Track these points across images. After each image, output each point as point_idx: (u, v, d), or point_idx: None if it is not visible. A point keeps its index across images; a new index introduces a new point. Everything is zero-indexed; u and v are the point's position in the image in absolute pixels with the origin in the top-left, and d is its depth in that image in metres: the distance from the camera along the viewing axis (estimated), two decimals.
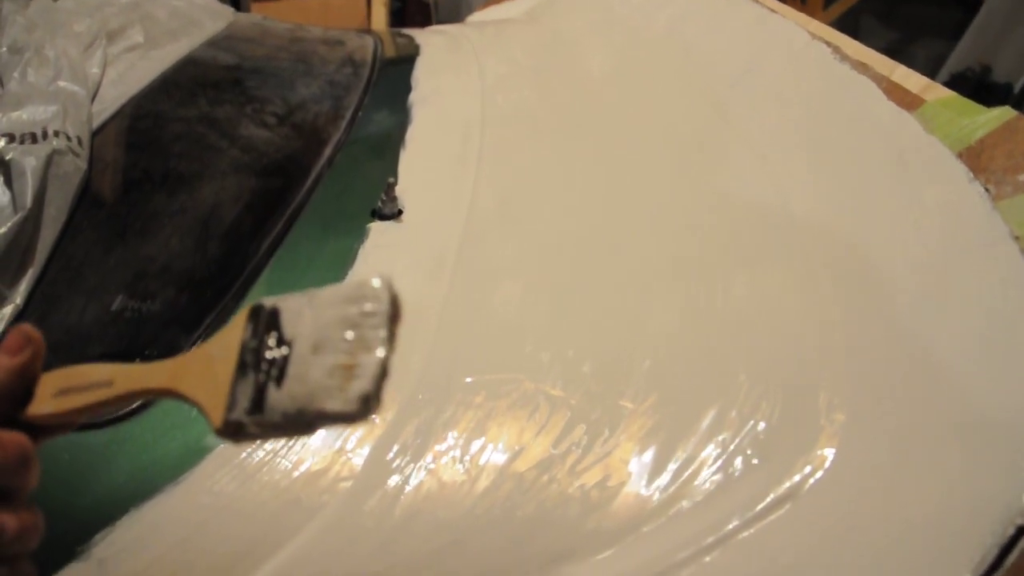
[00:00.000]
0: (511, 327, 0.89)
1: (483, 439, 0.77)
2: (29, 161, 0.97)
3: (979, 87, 3.75)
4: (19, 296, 0.87)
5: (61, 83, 1.24)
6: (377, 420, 0.77)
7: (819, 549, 0.59)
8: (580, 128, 1.24)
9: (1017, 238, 0.67)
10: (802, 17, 1.20)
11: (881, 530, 0.59)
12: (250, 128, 1.30)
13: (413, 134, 1.30)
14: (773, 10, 1.21)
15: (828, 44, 1.06)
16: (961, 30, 5.51)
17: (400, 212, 1.07)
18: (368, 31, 2.11)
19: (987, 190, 0.78)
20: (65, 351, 0.82)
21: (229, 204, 1.08)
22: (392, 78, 1.57)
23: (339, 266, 0.97)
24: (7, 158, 0.97)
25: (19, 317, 0.85)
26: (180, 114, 1.30)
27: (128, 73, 1.42)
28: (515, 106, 1.37)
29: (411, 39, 1.88)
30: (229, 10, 1.90)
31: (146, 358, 0.84)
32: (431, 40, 1.82)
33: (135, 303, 0.90)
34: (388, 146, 1.25)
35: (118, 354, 0.83)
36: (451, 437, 0.77)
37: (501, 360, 0.84)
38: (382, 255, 0.99)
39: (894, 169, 0.82)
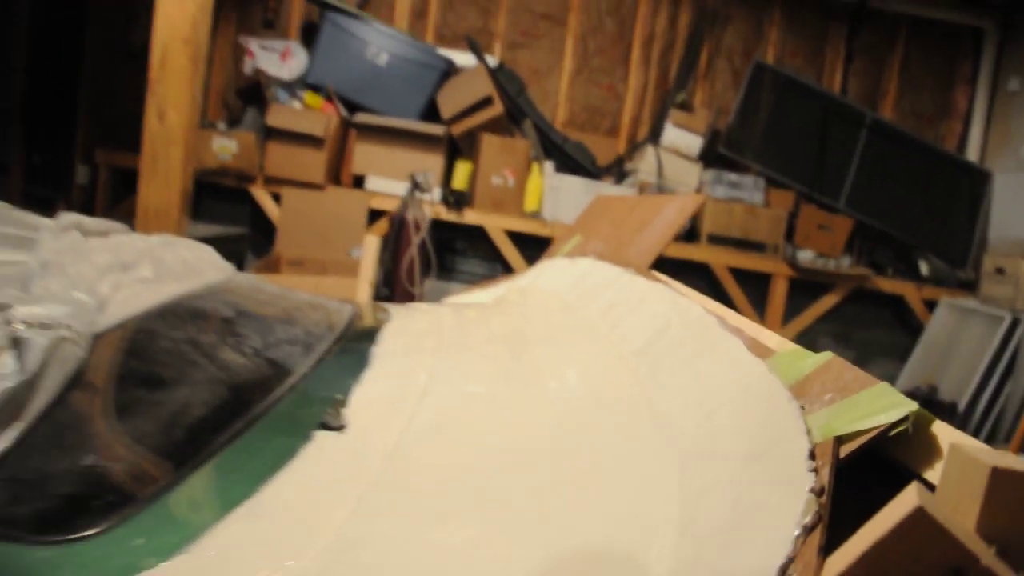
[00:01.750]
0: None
1: None
2: (40, 340, 1.15)
3: (926, 404, 4.03)
4: (4, 442, 1.01)
5: (75, 293, 1.45)
6: None
7: None
8: (511, 375, 1.44)
9: (815, 442, 0.84)
10: (729, 312, 1.45)
11: None
12: (228, 353, 1.49)
13: (369, 375, 1.49)
14: (683, 294, 1.46)
15: (716, 315, 1.30)
16: (908, 352, 5.95)
17: (343, 426, 1.23)
18: (349, 301, 2.38)
19: (802, 407, 0.96)
20: (31, 489, 0.95)
21: (198, 406, 1.25)
22: (361, 334, 1.79)
23: (280, 458, 1.12)
24: (22, 336, 1.15)
25: (2, 459, 0.98)
26: (170, 334, 1.50)
27: (133, 298, 1.63)
28: (459, 365, 1.58)
29: (387, 311, 2.13)
30: (231, 268, 2.17)
31: (98, 507, 0.96)
32: (403, 311, 2.07)
33: (102, 464, 1.03)
34: (345, 380, 1.44)
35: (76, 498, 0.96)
36: None
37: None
38: (318, 456, 1.14)
39: (739, 393, 1.01)
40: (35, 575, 0.86)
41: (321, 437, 1.19)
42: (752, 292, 5.98)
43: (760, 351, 1.11)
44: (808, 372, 0.98)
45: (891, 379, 4.96)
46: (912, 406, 0.83)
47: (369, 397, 1.36)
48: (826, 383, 0.94)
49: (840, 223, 6.00)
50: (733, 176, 5.98)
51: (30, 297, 1.35)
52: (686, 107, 6.22)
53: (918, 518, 0.66)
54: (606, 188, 5.76)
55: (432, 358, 1.57)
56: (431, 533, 0.98)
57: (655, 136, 6.12)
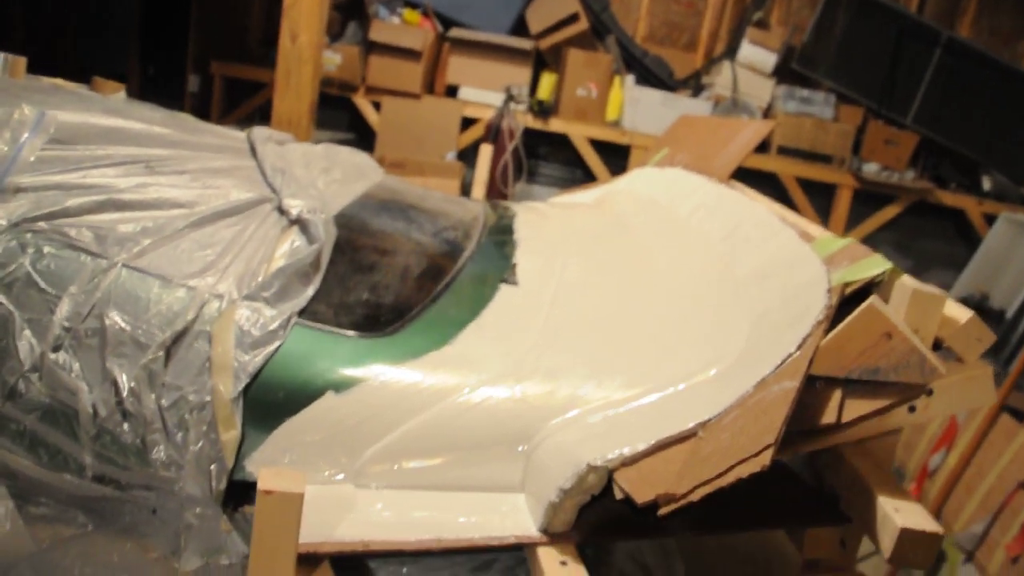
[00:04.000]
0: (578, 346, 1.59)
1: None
2: (319, 218, 1.71)
3: (977, 310, 4.48)
4: (313, 287, 1.59)
5: (311, 190, 2.01)
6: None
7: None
8: (625, 252, 1.98)
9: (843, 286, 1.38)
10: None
11: None
12: (417, 233, 2.05)
13: (519, 253, 2.04)
14: (753, 198, 1.98)
15: (776, 213, 1.83)
16: (966, 263, 6.33)
17: (517, 283, 1.79)
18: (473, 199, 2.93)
19: (827, 270, 1.49)
20: (344, 308, 1.56)
21: (413, 266, 1.82)
22: (500, 224, 2.34)
23: (484, 299, 1.70)
24: (306, 218, 1.71)
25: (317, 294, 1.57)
26: (374, 219, 2.06)
27: (337, 194, 2.19)
28: (585, 245, 2.12)
29: (510, 207, 2.67)
30: (381, 170, 2.72)
31: (386, 319, 1.56)
32: (524, 208, 2.61)
33: (371, 297, 1.62)
34: (504, 254, 1.99)
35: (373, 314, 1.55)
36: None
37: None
38: (507, 299, 1.71)
39: (789, 264, 1.57)
40: (359, 353, 1.45)
41: (504, 289, 1.76)
42: (817, 201, 6.37)
43: (806, 239, 1.63)
44: (835, 250, 1.51)
45: (946, 287, 5.34)
46: (888, 264, 1.36)
47: (526, 266, 1.90)
48: (845, 256, 1.46)
49: (906, 138, 6.32)
50: (805, 92, 6.31)
51: (284, 192, 1.91)
52: (762, 25, 6.51)
53: (871, 308, 1.20)
54: (683, 101, 6.16)
55: (562, 241, 2.11)
56: (592, 338, 1.55)
57: (731, 52, 6.45)
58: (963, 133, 6.48)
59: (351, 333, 1.54)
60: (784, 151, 6.27)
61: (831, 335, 1.30)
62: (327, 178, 2.26)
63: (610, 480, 1.26)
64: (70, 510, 1.38)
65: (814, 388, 1.27)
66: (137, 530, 1.36)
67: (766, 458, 1.10)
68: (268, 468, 1.20)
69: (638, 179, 2.86)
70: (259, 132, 2.48)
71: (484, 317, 1.64)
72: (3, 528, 1.30)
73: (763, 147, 6.25)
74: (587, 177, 6.24)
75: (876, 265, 1.39)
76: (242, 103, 6.66)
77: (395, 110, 6.18)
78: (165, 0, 6.97)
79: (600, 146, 6.24)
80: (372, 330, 1.54)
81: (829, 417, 1.24)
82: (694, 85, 6.58)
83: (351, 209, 2.07)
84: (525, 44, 6.12)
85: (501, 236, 2.20)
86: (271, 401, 1.42)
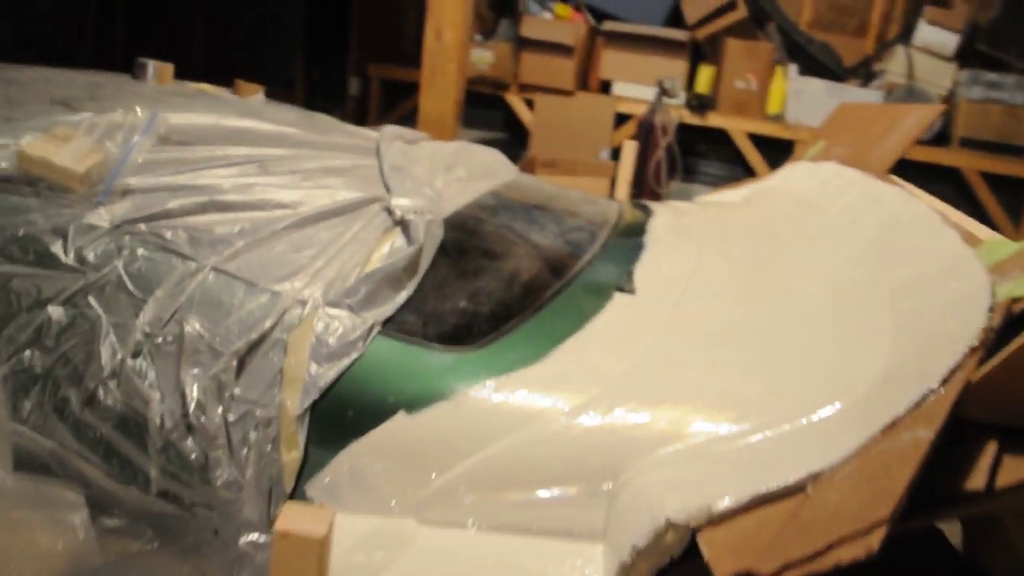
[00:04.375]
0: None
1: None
2: (420, 220, 1.61)
3: None
4: (408, 290, 1.49)
5: (425, 189, 1.92)
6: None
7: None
8: (764, 258, 1.78)
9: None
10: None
11: None
12: (537, 235, 1.93)
13: (646, 256, 1.87)
14: (913, 194, 1.73)
15: (938, 212, 1.58)
16: None
17: (634, 290, 1.63)
18: (614, 199, 2.77)
19: (993, 281, 1.24)
20: (435, 317, 1.44)
21: (526, 270, 1.70)
22: (632, 225, 2.18)
23: (592, 310, 1.53)
24: (407, 219, 1.62)
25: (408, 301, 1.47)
26: (493, 220, 1.95)
27: (457, 192, 2.09)
28: (721, 249, 1.93)
29: (647, 206, 2.50)
30: (515, 168, 2.61)
31: (478, 331, 1.44)
32: (663, 207, 2.43)
33: (468, 305, 1.50)
34: (627, 259, 1.83)
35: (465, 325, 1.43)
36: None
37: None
38: (619, 309, 1.55)
39: (948, 271, 1.32)
40: (440, 368, 1.34)
41: (618, 297, 1.59)
42: (1006, 198, 5.77)
43: (972, 241, 1.37)
44: (1005, 257, 1.25)
45: None
46: None
47: (649, 272, 1.74)
48: (1017, 264, 1.21)
49: None
50: (992, 76, 5.72)
51: (396, 191, 1.83)
52: (941, 2, 5.98)
53: None
54: (851, 91, 5.73)
55: (697, 244, 1.93)
56: (705, 358, 1.37)
57: (906, 35, 5.95)
58: None
59: (437, 346, 1.42)
60: (967, 143, 5.71)
61: (988, 367, 1.03)
62: (448, 176, 2.17)
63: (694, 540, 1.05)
64: (140, 524, 1.35)
65: (963, 439, 1.03)
66: (199, 551, 1.31)
67: (875, 540, 0.87)
68: (293, 503, 1.09)
69: (791, 175, 2.62)
70: (389, 131, 2.43)
71: (589, 330, 1.48)
72: (77, 537, 1.28)
73: (943, 139, 5.73)
74: (748, 175, 5.92)
75: None
76: (399, 104, 6.76)
77: (548, 107, 6.08)
78: (328, 7, 7.17)
79: (761, 141, 5.91)
80: (460, 343, 1.43)
81: (977, 480, 1.00)
82: (864, 73, 6.12)
83: (469, 209, 1.97)
84: (680, 35, 5.88)
85: (630, 239, 2.04)
86: (338, 419, 1.33)
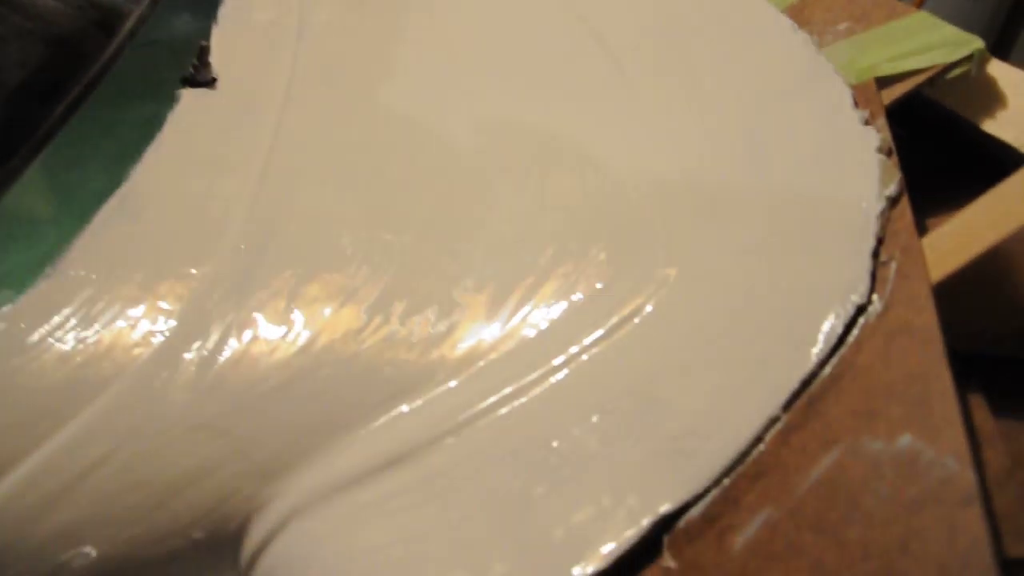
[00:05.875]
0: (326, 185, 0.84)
1: (307, 296, 0.71)
2: None
3: None
4: None
5: None
6: (195, 271, 0.69)
7: (671, 356, 0.58)
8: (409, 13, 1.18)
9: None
10: None
11: (730, 331, 0.58)
12: None
13: (226, 10, 1.19)
14: None
15: None
16: None
17: (215, 80, 0.98)
18: None
19: (812, 38, 0.80)
20: None
21: (13, 68, 0.96)
22: None
23: (143, 133, 0.87)
24: None
25: None
26: None
27: None
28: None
29: None
30: None
31: None
32: None
33: None
34: (200, 17, 1.14)
35: None
36: (269, 295, 0.71)
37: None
38: (192, 122, 0.90)
39: (731, 30, 0.83)
40: None
41: (189, 96, 0.94)
42: None
43: None
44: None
45: None
46: (978, 43, 0.66)
47: (234, 37, 1.08)
48: (832, 6, 0.74)
49: None
50: None
51: None
52: None
53: None
54: None
55: None
56: (350, 199, 0.79)
57: None
58: None
59: None
60: None
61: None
62: None
63: None
64: None
65: None
66: None
67: None
68: None
69: None
70: None
71: (144, 170, 0.82)
72: None
73: None
74: None
75: (944, 41, 0.67)
76: None
77: None
78: None
79: None
80: None
81: None
82: None
83: None
84: None
85: None
86: None
